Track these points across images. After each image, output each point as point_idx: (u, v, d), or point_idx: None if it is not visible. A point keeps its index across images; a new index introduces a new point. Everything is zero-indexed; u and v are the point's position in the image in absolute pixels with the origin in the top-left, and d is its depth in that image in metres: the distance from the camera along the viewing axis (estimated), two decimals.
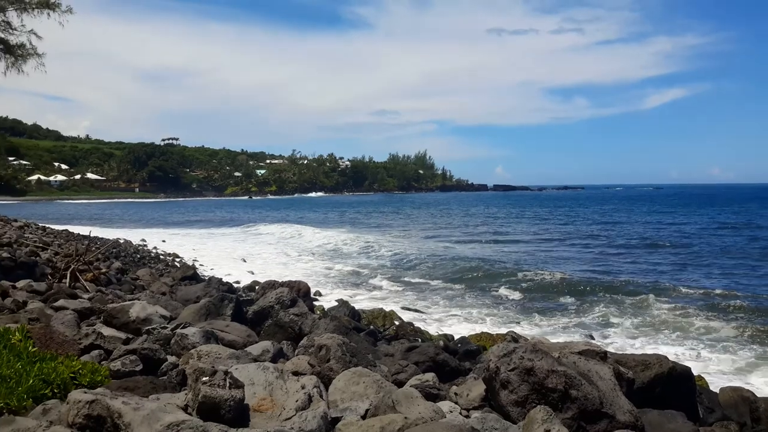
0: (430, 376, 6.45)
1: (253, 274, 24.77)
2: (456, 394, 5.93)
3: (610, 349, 11.02)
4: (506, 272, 24.44)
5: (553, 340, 9.73)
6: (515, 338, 8.80)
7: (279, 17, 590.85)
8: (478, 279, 22.90)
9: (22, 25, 15.57)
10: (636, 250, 33.26)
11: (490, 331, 13.96)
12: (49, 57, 16.46)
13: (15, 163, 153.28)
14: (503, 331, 14.15)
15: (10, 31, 15.64)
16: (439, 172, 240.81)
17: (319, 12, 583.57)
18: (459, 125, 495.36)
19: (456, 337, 13.19)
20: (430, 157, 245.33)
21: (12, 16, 15.43)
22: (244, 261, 30.35)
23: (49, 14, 15.30)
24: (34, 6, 15.16)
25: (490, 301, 19.06)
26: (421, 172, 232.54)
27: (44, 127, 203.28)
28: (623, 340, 14.31)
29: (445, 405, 5.42)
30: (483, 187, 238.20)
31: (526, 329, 15.16)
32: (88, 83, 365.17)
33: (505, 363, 5.57)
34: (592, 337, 14.17)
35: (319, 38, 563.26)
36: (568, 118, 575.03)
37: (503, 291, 20.57)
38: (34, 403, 4.30)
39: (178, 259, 29.12)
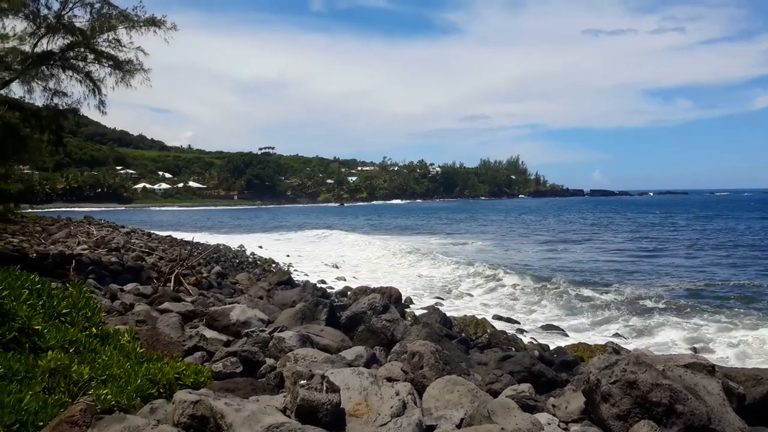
0: (526, 387, 6.29)
1: (344, 280, 25.12)
2: (554, 406, 5.76)
3: (717, 362, 10.41)
4: (604, 281, 23.66)
5: (657, 352, 9.29)
6: (616, 350, 8.47)
7: (369, 25, 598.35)
8: (573, 287, 22.22)
9: (131, 42, 16.54)
10: (744, 259, 31.32)
11: (587, 342, 13.53)
12: (154, 71, 17.36)
13: (122, 172, 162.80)
14: (601, 342, 13.68)
15: (120, 48, 16.65)
16: (532, 177, 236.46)
17: (410, 19, 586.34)
18: (553, 129, 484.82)
19: (551, 347, 12.86)
20: (522, 161, 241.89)
21: (121, 33, 16.45)
22: (336, 267, 30.84)
23: (155, 31, 16.18)
24: (141, 24, 16.07)
25: (586, 311, 18.43)
26: (513, 177, 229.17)
27: (149, 137, 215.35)
28: (731, 353, 13.47)
29: (542, 417, 5.27)
30: (579, 193, 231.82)
31: (625, 341, 14.57)
32: (190, 96, 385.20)
33: (606, 375, 5.36)
34: (697, 350, 13.43)
35: (409, 45, 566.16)
36: (670, 121, 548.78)
37: (600, 301, 19.85)
38: (141, 402, 4.51)
39: (274, 264, 29.96)
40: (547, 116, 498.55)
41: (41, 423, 3.81)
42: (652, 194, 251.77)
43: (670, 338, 14.89)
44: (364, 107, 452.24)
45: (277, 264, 30.25)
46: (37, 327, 4.77)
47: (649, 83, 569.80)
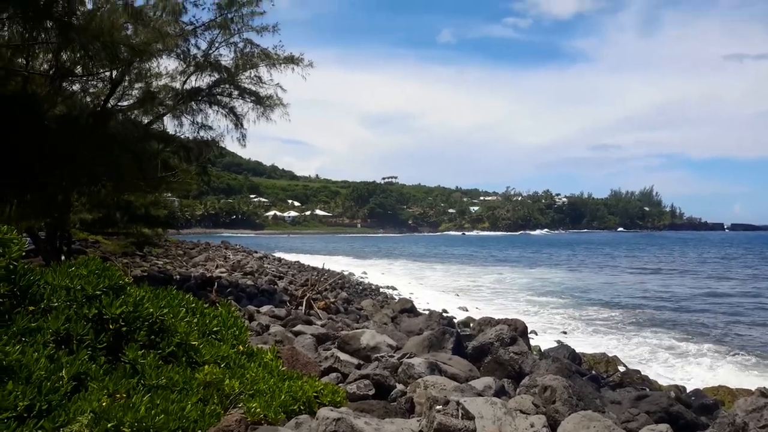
0: (664, 427, 6.02)
1: (466, 310, 24.98)
2: None
3: None
4: (747, 322, 22.01)
5: None
6: (765, 393, 7.88)
7: (497, 56, 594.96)
8: (714, 328, 20.87)
9: (271, 79, 17.58)
10: None
11: (728, 385, 12.66)
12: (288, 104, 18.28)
13: (255, 200, 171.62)
14: (745, 385, 12.73)
15: (261, 84, 17.74)
16: (668, 209, 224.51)
17: (538, 48, 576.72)
18: (690, 159, 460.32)
19: (688, 388, 12.15)
20: (657, 193, 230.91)
21: (262, 71, 17.54)
22: (457, 296, 30.72)
23: (293, 69, 17.12)
24: (281, 62, 17.05)
25: (726, 354, 17.14)
26: (646, 209, 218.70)
27: (281, 168, 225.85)
28: None
29: None
30: (718, 227, 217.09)
31: None
32: (319, 127, 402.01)
33: (754, 419, 5.06)
34: None
35: (537, 74, 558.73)
36: None
37: (742, 343, 18.46)
38: (285, 417, 4.78)
39: (395, 292, 30.39)
40: (685, 146, 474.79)
41: (199, 431, 4.15)
42: None
43: None
44: (489, 137, 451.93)
45: (398, 292, 30.66)
46: (194, 343, 5.18)
47: None
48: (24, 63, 12.85)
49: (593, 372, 12.27)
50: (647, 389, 10.69)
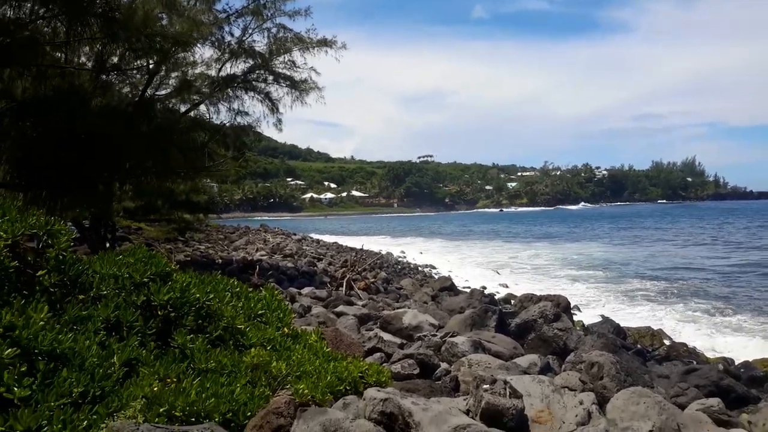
0: (714, 401, 5.91)
1: (507, 287, 24.83)
2: (749, 422, 5.37)
3: None
4: None
5: None
6: None
7: (532, 29, 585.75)
8: (760, 299, 20.34)
9: (304, 63, 17.61)
10: None
11: None
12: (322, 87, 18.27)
13: (292, 183, 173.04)
14: None
15: (295, 68, 17.78)
16: (711, 179, 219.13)
17: (574, 19, 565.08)
18: (734, 126, 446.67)
19: (736, 360, 11.92)
20: (699, 162, 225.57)
21: (296, 55, 17.55)
22: (498, 273, 30.54)
23: (326, 51, 17.11)
24: (314, 45, 17.05)
25: None
26: (689, 179, 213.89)
27: (316, 150, 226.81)
28: None
29: None
30: (765, 195, 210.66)
31: None
32: (353, 108, 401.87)
33: None
34: None
35: (574, 46, 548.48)
36: None
37: None
38: (333, 398, 4.81)
39: (435, 270, 30.37)
40: (728, 113, 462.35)
41: (249, 413, 4.20)
42: None
43: None
44: (525, 111, 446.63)
45: (437, 270, 30.64)
46: (240, 326, 5.25)
47: None
48: (64, 58, 13.07)
49: (639, 346, 12.09)
50: (695, 362, 10.51)
